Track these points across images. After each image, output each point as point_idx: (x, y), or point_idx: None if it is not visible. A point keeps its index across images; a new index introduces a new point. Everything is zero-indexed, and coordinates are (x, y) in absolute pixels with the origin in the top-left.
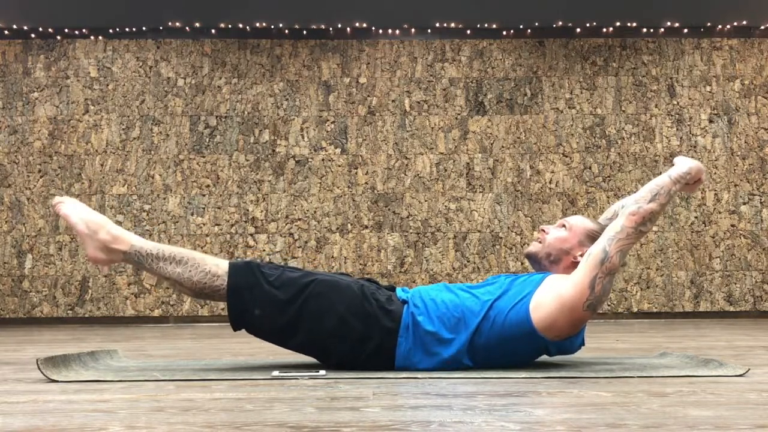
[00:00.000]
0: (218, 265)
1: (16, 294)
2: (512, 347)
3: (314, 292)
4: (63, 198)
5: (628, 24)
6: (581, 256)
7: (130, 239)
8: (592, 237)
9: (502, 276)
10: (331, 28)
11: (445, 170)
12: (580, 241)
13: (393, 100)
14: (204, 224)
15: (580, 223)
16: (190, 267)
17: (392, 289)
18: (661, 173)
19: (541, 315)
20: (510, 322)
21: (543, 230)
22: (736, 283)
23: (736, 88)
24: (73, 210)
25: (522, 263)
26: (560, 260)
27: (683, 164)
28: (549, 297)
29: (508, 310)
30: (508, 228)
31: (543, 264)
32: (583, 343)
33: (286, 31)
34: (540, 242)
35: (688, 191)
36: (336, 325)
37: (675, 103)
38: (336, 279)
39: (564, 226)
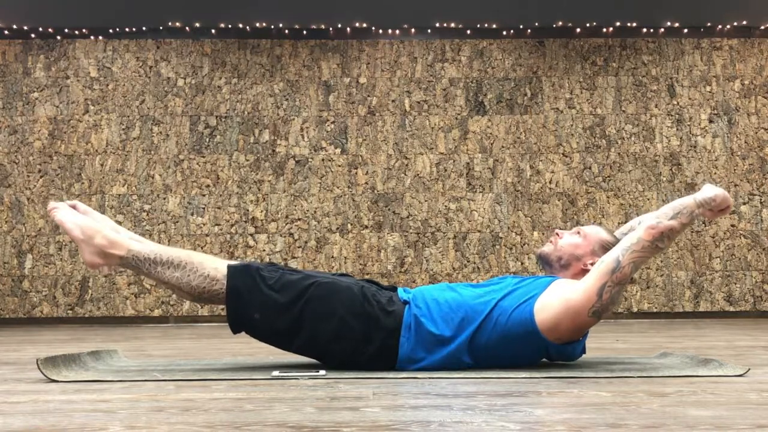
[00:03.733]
0: (217, 269)
1: (16, 294)
2: (513, 347)
3: (314, 295)
4: (57, 204)
5: (628, 24)
6: (592, 264)
7: (127, 244)
8: (606, 248)
9: (509, 277)
10: (331, 28)
11: (445, 170)
12: (593, 249)
13: (393, 100)
14: (204, 224)
15: (595, 232)
16: (189, 271)
17: (393, 289)
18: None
19: (545, 316)
20: (513, 321)
21: (557, 233)
22: (736, 283)
23: (736, 88)
24: (68, 216)
25: (522, 263)
26: (570, 265)
27: (710, 190)
28: (555, 299)
29: (512, 309)
30: (508, 228)
31: (554, 266)
32: (584, 351)
33: (286, 31)
34: (553, 244)
35: (710, 217)
36: (336, 327)
37: (675, 103)
38: (336, 281)
39: (579, 233)
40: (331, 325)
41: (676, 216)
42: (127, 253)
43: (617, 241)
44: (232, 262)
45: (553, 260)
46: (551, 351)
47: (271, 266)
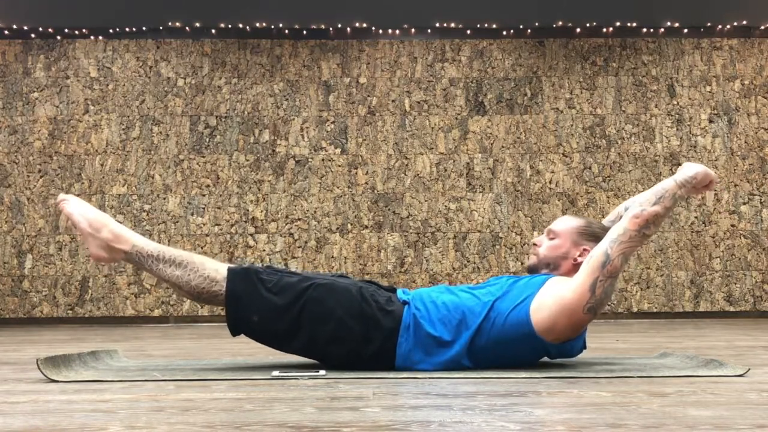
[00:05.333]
0: (217, 270)
1: (16, 294)
2: (512, 348)
3: (312, 297)
4: (67, 196)
5: (628, 24)
6: (579, 256)
7: (132, 239)
8: (582, 233)
9: (504, 277)
10: (331, 28)
11: (445, 170)
12: (573, 241)
13: (393, 100)
14: (204, 224)
15: (565, 225)
16: (190, 271)
17: (392, 290)
18: (660, 173)
19: (541, 317)
20: (510, 323)
21: (535, 244)
22: (736, 283)
23: (736, 88)
24: (77, 208)
25: (522, 263)
26: (560, 266)
27: (689, 169)
28: (550, 299)
29: (509, 311)
30: (508, 228)
31: (543, 273)
32: (584, 347)
33: (286, 31)
34: (535, 255)
35: (695, 194)
36: (335, 329)
37: (675, 103)
38: (334, 282)
39: (551, 234)
40: (329, 326)
41: (659, 201)
42: (132, 248)
43: (588, 222)
44: (232, 266)
45: (541, 268)
46: (551, 351)
47: (270, 269)
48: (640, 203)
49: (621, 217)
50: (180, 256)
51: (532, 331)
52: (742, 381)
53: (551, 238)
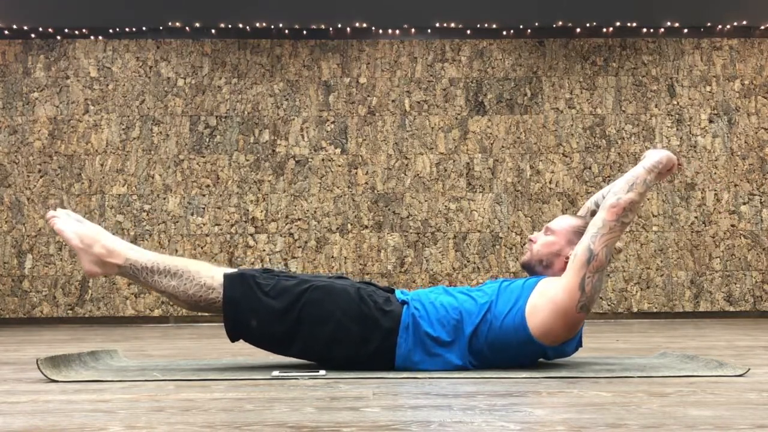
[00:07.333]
0: (213, 278)
1: (16, 294)
2: (510, 352)
3: (310, 300)
4: (57, 212)
5: (628, 24)
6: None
7: (125, 253)
8: (579, 233)
9: (500, 279)
10: (331, 28)
11: (445, 170)
12: (568, 239)
13: (393, 100)
14: (204, 224)
15: (563, 223)
16: (185, 280)
17: (391, 290)
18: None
19: (536, 321)
20: (506, 327)
21: (531, 239)
22: (736, 283)
23: (736, 88)
24: (67, 224)
25: None
26: (553, 263)
27: (654, 155)
28: (542, 302)
29: (504, 315)
30: (508, 228)
31: (537, 270)
32: (580, 345)
33: (286, 31)
34: (530, 250)
35: (661, 179)
36: (334, 331)
37: (675, 103)
38: (331, 284)
39: (548, 231)
40: (328, 328)
41: (632, 188)
42: (125, 262)
43: (587, 222)
44: (228, 271)
45: (535, 265)
46: (549, 353)
47: (266, 272)
48: (615, 192)
49: (592, 211)
50: (175, 265)
51: (529, 335)
52: (742, 381)
53: (548, 235)
